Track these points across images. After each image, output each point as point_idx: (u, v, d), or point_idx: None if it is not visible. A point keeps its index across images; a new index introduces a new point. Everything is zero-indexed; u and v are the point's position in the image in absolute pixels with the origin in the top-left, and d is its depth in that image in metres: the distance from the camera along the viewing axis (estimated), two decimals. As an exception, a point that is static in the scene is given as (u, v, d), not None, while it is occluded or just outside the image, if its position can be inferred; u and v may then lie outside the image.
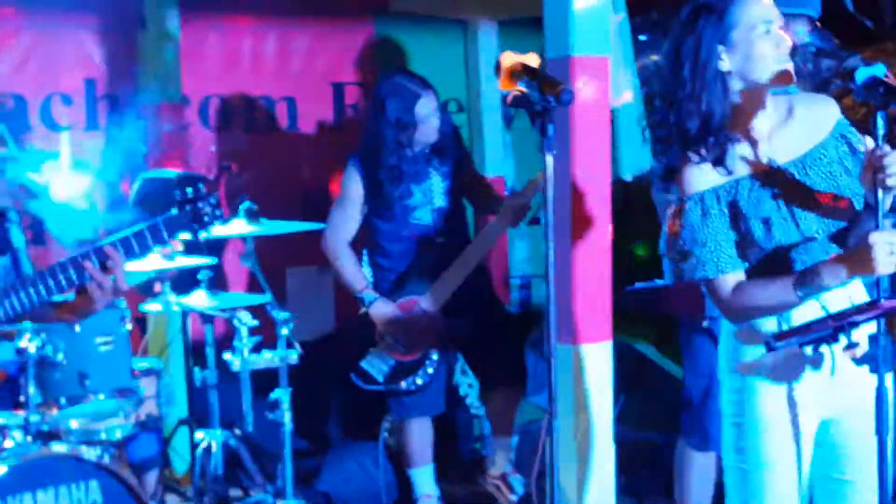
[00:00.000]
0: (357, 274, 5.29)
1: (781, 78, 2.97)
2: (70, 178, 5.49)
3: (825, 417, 3.05)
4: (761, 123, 3.02)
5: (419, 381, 5.22)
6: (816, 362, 3.00)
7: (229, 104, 6.16)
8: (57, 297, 2.88)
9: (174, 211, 2.93)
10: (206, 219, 2.95)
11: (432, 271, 5.24)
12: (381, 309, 5.22)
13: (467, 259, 5.20)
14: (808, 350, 2.93)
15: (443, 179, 5.29)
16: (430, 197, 5.28)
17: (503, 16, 6.61)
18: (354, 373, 5.26)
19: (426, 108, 5.15)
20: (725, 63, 2.95)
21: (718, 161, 2.97)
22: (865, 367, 2.93)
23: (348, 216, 5.27)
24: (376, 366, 5.24)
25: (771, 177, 2.99)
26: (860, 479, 3.05)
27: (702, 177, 2.98)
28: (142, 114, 5.55)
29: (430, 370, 5.23)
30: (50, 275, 2.75)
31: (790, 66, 2.97)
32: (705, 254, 2.96)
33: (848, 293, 3.01)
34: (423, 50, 6.47)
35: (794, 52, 3.24)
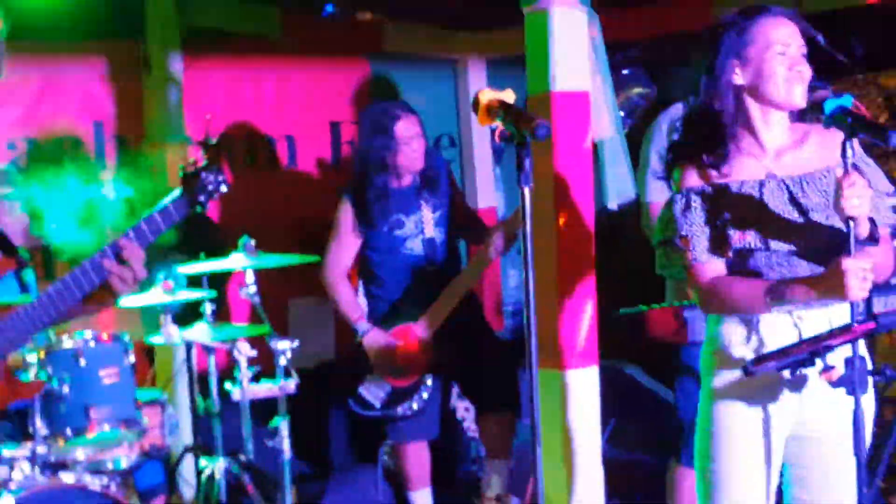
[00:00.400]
0: (352, 304, 5.27)
1: (793, 99, 2.93)
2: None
3: (792, 436, 3.01)
4: (771, 140, 3.02)
5: (415, 406, 5.18)
6: (788, 384, 2.97)
7: (231, 142, 6.13)
8: None
9: (179, 190, 2.83)
10: (210, 187, 2.83)
11: (425, 299, 5.20)
12: (374, 338, 5.19)
13: (458, 287, 5.18)
14: (786, 374, 2.91)
15: (433, 210, 5.26)
16: (420, 227, 5.25)
17: (491, 54, 6.62)
18: (353, 399, 5.23)
19: (407, 131, 5.11)
20: (738, 77, 2.95)
21: (716, 165, 2.98)
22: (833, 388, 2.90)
23: (343, 248, 5.26)
24: (373, 392, 5.22)
25: (760, 188, 2.97)
26: (823, 501, 3.01)
27: (696, 176, 3.00)
28: (148, 152, 5.52)
29: (426, 395, 5.21)
30: (72, 281, 2.70)
31: (802, 90, 2.94)
32: (690, 244, 2.99)
33: (828, 315, 2.98)
34: (416, 88, 6.46)
35: None
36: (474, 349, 5.32)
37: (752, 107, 2.99)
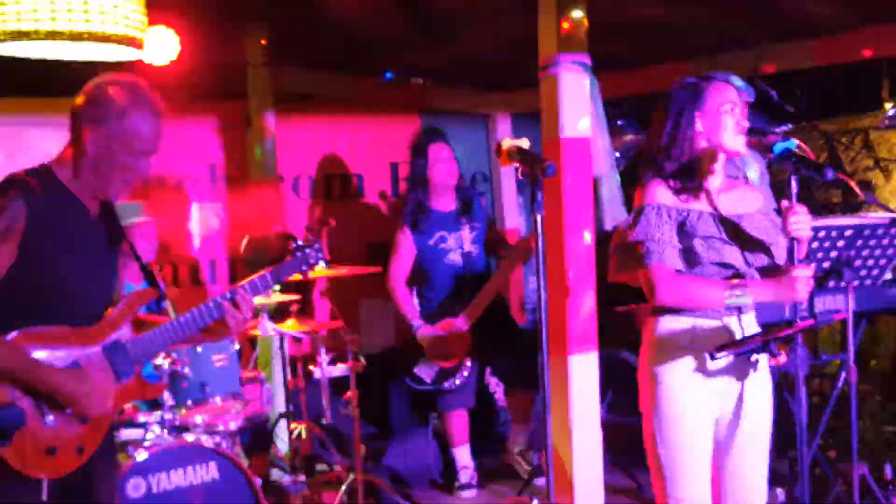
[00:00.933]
0: (409, 306, 5.31)
1: (737, 148, 2.89)
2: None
3: (718, 416, 2.92)
4: (714, 180, 2.95)
5: (458, 382, 5.20)
6: (727, 372, 2.88)
7: (314, 180, 6.16)
8: None
9: (288, 258, 2.86)
10: (311, 261, 2.88)
11: (464, 299, 5.24)
12: (425, 332, 5.23)
13: (489, 289, 5.22)
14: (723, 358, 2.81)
15: (470, 230, 5.31)
16: (460, 243, 5.31)
17: (515, 110, 6.60)
18: (409, 377, 5.25)
19: (437, 152, 5.20)
20: (699, 127, 2.88)
21: (679, 192, 2.91)
22: (756, 380, 2.90)
23: (401, 261, 5.31)
24: (425, 371, 5.23)
25: (712, 217, 2.91)
26: (746, 463, 2.94)
27: (664, 195, 2.91)
28: (249, 189, 5.55)
29: (466, 374, 5.22)
30: (198, 314, 2.71)
31: (743, 140, 2.90)
32: (653, 245, 2.86)
33: (750, 318, 2.93)
34: (456, 136, 6.37)
35: None
36: (502, 339, 5.31)
37: (704, 151, 2.93)
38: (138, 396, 2.74)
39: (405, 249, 5.29)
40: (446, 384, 5.20)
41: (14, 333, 2.43)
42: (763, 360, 2.92)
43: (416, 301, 5.40)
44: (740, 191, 3.01)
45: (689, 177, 2.91)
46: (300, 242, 2.88)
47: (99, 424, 2.58)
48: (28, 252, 2.46)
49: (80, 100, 2.57)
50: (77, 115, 2.56)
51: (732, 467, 2.93)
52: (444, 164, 5.20)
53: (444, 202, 5.30)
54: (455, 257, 5.29)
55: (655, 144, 2.96)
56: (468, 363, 5.22)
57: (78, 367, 2.51)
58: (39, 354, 2.46)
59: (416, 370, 5.25)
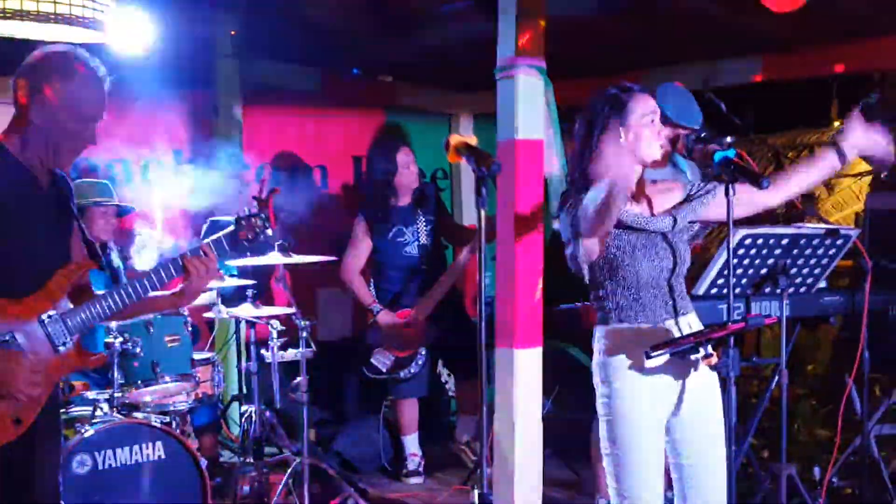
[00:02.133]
0: (366, 293, 5.32)
1: (655, 156, 2.88)
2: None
3: (670, 416, 2.90)
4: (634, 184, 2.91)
5: (412, 370, 5.21)
6: (671, 372, 2.85)
7: (278, 169, 6.09)
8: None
9: (233, 226, 2.81)
10: (258, 229, 2.81)
11: (419, 290, 5.26)
12: (385, 317, 5.23)
13: (444, 281, 5.23)
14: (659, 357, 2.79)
15: (426, 224, 5.32)
16: (416, 236, 5.31)
17: (478, 111, 6.57)
18: (365, 366, 5.23)
19: (404, 159, 5.24)
20: (623, 138, 2.85)
21: None
22: (701, 381, 2.87)
23: (358, 252, 5.30)
24: (381, 360, 5.23)
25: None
26: (700, 463, 2.91)
27: None
28: (214, 175, 5.46)
29: (420, 363, 5.21)
30: (160, 268, 2.67)
31: (661, 150, 2.88)
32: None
33: (688, 321, 2.92)
34: (420, 134, 6.42)
35: (678, 140, 3.15)
36: (455, 331, 5.29)
37: (629, 160, 2.87)
38: (79, 367, 2.66)
39: (362, 242, 5.29)
40: (401, 373, 5.19)
41: None
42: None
43: (372, 292, 5.37)
44: (651, 192, 2.98)
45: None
46: (247, 211, 2.82)
47: (35, 397, 2.51)
48: None
49: (22, 70, 2.53)
50: (19, 86, 2.52)
51: (688, 466, 2.91)
52: (409, 170, 5.26)
53: (403, 199, 5.32)
54: (411, 250, 5.29)
55: (580, 158, 2.92)
56: (422, 353, 5.22)
57: (13, 339, 2.46)
58: None
59: (372, 359, 5.23)
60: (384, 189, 5.24)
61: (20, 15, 3.06)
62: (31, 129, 2.51)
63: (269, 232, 2.85)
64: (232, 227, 2.80)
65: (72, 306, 2.58)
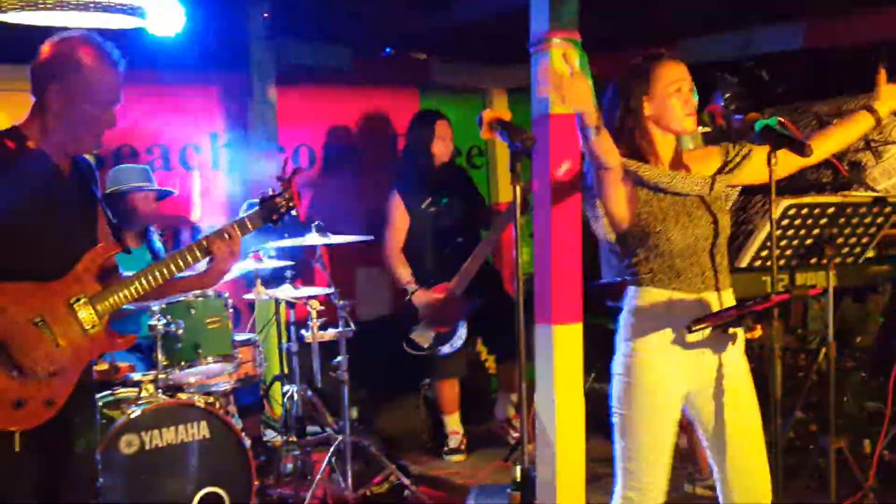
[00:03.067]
0: (404, 272, 5.32)
1: (684, 128, 2.84)
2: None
3: (698, 390, 2.87)
4: (665, 157, 2.88)
5: (454, 346, 5.20)
6: (689, 345, 2.81)
7: (314, 150, 6.11)
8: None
9: (257, 207, 2.85)
10: (282, 209, 2.85)
11: (455, 264, 5.22)
12: (420, 296, 5.24)
13: (479, 254, 5.19)
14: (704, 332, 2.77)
15: (460, 201, 5.29)
16: (450, 211, 5.33)
17: (510, 85, 6.52)
18: (406, 342, 5.23)
19: (442, 129, 5.29)
20: (647, 109, 2.82)
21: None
22: (734, 355, 2.85)
23: (395, 230, 5.31)
24: (422, 336, 5.21)
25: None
26: (739, 439, 2.86)
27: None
28: (250, 158, 5.50)
29: (460, 340, 5.19)
30: (185, 251, 2.73)
31: (692, 120, 2.84)
32: None
33: (727, 296, 2.88)
34: (454, 110, 6.36)
35: (716, 111, 3.11)
36: (494, 309, 5.28)
37: (655, 131, 2.86)
38: (108, 348, 2.72)
39: (399, 217, 5.30)
40: (442, 349, 5.20)
41: None
42: (740, 333, 2.87)
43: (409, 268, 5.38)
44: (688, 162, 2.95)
45: (642, 159, 2.85)
46: (270, 192, 2.83)
47: (67, 378, 2.56)
48: None
49: (38, 59, 2.57)
50: (37, 74, 2.56)
51: (729, 443, 2.86)
52: (445, 141, 5.27)
53: (437, 173, 5.30)
54: (445, 222, 5.29)
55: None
56: (461, 330, 5.21)
57: (42, 322, 2.50)
58: (3, 309, 2.45)
59: (412, 335, 5.24)
60: (419, 158, 5.26)
61: (60, 5, 3.11)
62: (49, 118, 2.55)
63: (294, 211, 2.87)
64: (256, 209, 2.83)
65: (100, 289, 2.62)
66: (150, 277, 2.67)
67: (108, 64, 2.58)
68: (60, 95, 2.53)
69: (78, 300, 2.57)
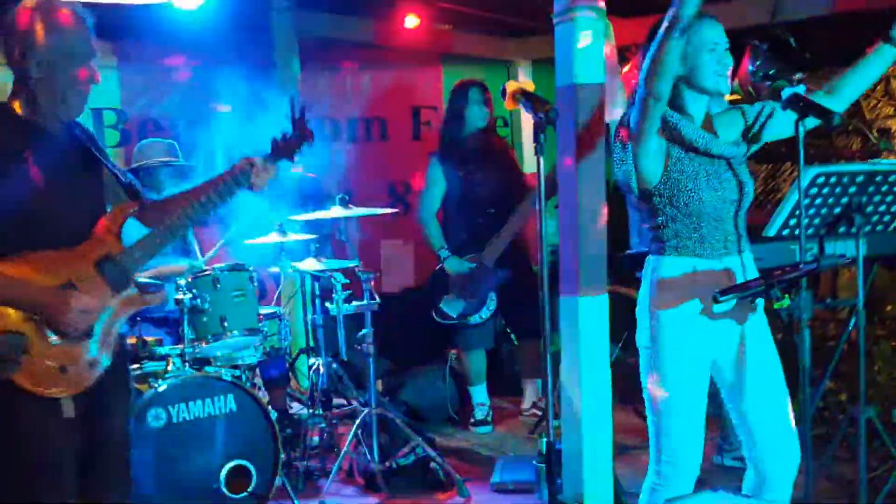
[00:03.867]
0: (438, 237, 5.30)
1: (718, 88, 2.79)
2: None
3: (723, 358, 2.85)
4: (696, 117, 2.84)
5: (483, 316, 5.20)
6: (714, 314, 2.78)
7: (337, 123, 6.09)
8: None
9: (270, 150, 2.82)
10: (294, 147, 2.83)
11: (487, 235, 5.20)
12: (453, 263, 5.22)
13: (511, 227, 5.17)
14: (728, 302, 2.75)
15: (497, 171, 5.25)
16: (486, 181, 5.26)
17: (534, 56, 6.46)
18: (434, 311, 5.22)
19: (476, 94, 5.23)
20: (680, 68, 2.77)
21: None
22: (757, 323, 2.83)
23: (432, 196, 5.30)
24: (451, 306, 5.21)
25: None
26: (766, 406, 2.84)
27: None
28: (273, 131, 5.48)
29: (490, 310, 5.18)
30: (198, 199, 2.69)
31: (725, 81, 2.79)
32: None
33: (748, 258, 2.87)
34: (478, 81, 6.35)
35: (744, 79, 3.07)
36: (521, 283, 5.25)
37: (686, 92, 2.82)
38: (140, 304, 2.71)
39: (435, 184, 5.27)
40: (471, 319, 5.19)
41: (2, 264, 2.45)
42: (761, 301, 2.85)
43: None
44: (716, 125, 2.90)
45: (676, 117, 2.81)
46: (282, 134, 2.82)
47: (105, 337, 2.58)
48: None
49: (6, 32, 2.56)
50: (10, 45, 2.55)
51: (755, 410, 2.85)
52: (480, 106, 5.24)
53: (474, 141, 5.26)
54: (481, 193, 5.25)
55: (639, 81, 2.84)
56: (491, 300, 5.20)
57: (72, 287, 2.52)
58: (31, 279, 2.47)
59: (441, 305, 5.23)
60: (454, 124, 5.23)
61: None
62: (33, 85, 2.54)
63: (309, 143, 2.83)
64: (269, 152, 2.80)
65: (123, 248, 2.63)
66: (170, 226, 2.65)
67: (76, 19, 2.57)
68: (37, 61, 2.51)
69: (105, 257, 2.58)
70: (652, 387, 2.84)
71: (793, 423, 2.81)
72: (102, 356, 2.59)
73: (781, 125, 2.86)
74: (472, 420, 5.29)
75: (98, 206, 2.68)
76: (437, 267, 5.26)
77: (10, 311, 2.44)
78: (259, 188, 2.74)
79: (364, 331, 4.40)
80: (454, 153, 5.23)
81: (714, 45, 2.77)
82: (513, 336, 5.76)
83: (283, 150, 2.80)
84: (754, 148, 2.94)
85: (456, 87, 5.40)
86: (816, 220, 3.67)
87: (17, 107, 2.57)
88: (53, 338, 2.48)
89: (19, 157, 2.48)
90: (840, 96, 2.83)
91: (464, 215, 5.29)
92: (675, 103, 2.81)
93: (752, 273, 2.87)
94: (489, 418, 5.31)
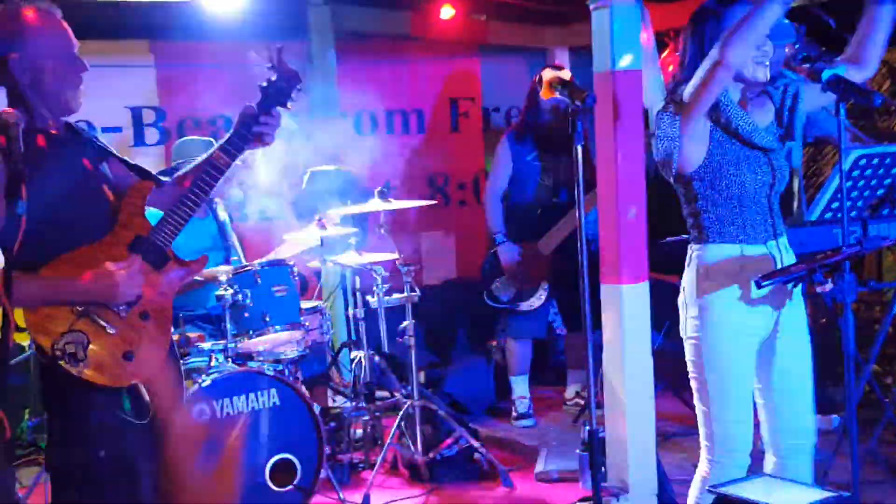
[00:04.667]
0: (499, 220, 5.26)
1: (757, 77, 2.77)
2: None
3: (764, 341, 2.84)
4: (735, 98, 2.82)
5: (535, 304, 5.16)
6: (756, 299, 2.77)
7: (375, 116, 6.12)
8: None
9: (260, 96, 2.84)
10: (283, 90, 2.84)
11: (546, 225, 5.15)
12: (506, 249, 5.19)
13: (570, 219, 5.10)
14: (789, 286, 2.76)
15: (567, 160, 5.20)
16: (553, 168, 5.20)
17: (572, 43, 6.43)
18: (486, 294, 5.22)
19: (548, 75, 5.04)
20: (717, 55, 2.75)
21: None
22: (795, 307, 2.82)
23: (499, 175, 5.26)
24: (504, 290, 5.19)
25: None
26: (793, 388, 2.84)
27: None
28: (311, 125, 5.53)
29: (540, 301, 5.15)
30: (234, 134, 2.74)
31: (764, 70, 2.77)
32: None
33: (784, 242, 2.86)
34: (516, 71, 6.34)
35: (789, 60, 3.05)
36: (573, 275, 5.20)
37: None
38: (184, 276, 2.69)
39: (502, 164, 5.24)
40: (522, 305, 5.16)
41: (42, 270, 2.47)
42: (798, 287, 2.84)
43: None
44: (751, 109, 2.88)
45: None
46: (266, 80, 2.81)
47: (160, 314, 2.60)
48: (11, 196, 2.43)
49: None
50: None
51: (776, 386, 2.86)
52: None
53: (546, 127, 5.16)
54: (545, 181, 5.22)
55: (679, 74, 2.84)
56: (543, 290, 5.16)
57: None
58: (73, 275, 2.48)
59: (493, 288, 5.22)
60: (528, 108, 5.17)
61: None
62: (29, 93, 2.54)
63: (297, 85, 2.83)
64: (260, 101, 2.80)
65: (151, 226, 2.64)
66: (194, 194, 2.64)
67: (49, 15, 2.57)
68: (24, 66, 2.52)
69: (137, 239, 2.59)
70: (701, 375, 2.83)
71: (811, 398, 2.83)
72: (161, 337, 2.59)
73: (811, 101, 2.83)
74: (513, 414, 5.28)
75: (115, 195, 2.68)
76: (492, 250, 5.26)
77: (63, 312, 2.47)
78: (266, 140, 2.75)
79: (405, 323, 4.43)
80: (526, 137, 5.18)
81: None
82: (555, 327, 5.74)
83: (274, 95, 2.80)
84: (790, 144, 2.91)
85: (539, 71, 5.37)
86: (859, 203, 3.64)
87: (19, 120, 2.52)
88: (110, 329, 2.51)
89: (34, 166, 2.44)
90: (865, 60, 2.79)
91: (527, 201, 5.24)
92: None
93: (790, 257, 2.86)
94: (531, 411, 5.29)
